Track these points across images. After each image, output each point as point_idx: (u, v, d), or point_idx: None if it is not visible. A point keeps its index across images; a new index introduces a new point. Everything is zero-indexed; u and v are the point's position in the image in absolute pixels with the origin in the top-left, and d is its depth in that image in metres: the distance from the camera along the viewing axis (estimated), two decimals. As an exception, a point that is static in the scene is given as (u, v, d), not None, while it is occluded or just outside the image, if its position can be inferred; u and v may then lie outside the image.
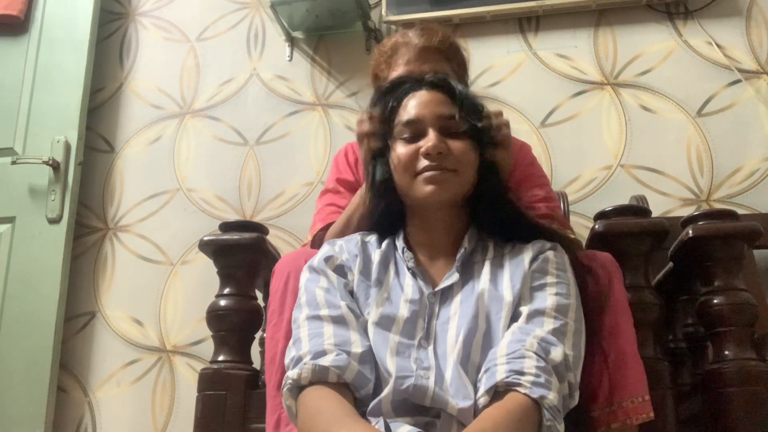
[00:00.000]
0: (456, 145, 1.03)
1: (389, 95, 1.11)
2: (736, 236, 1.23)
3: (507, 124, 1.16)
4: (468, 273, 1.02)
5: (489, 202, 1.06)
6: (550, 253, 1.02)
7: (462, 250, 1.02)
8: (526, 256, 1.01)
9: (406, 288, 1.01)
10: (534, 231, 1.06)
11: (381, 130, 1.10)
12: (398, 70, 1.37)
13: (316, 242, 1.33)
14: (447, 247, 1.05)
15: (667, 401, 1.17)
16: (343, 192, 1.44)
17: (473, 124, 1.05)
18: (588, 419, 1.05)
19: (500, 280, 0.99)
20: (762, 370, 1.16)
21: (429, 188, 1.01)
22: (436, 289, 1.00)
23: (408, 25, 2.13)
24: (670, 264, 1.40)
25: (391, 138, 1.08)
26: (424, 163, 1.02)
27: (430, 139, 1.02)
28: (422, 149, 1.02)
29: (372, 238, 1.10)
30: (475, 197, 1.06)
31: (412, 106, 1.07)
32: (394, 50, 1.41)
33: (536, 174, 1.42)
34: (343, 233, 1.20)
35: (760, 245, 1.47)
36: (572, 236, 1.34)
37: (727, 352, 1.19)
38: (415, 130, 1.05)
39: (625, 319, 1.10)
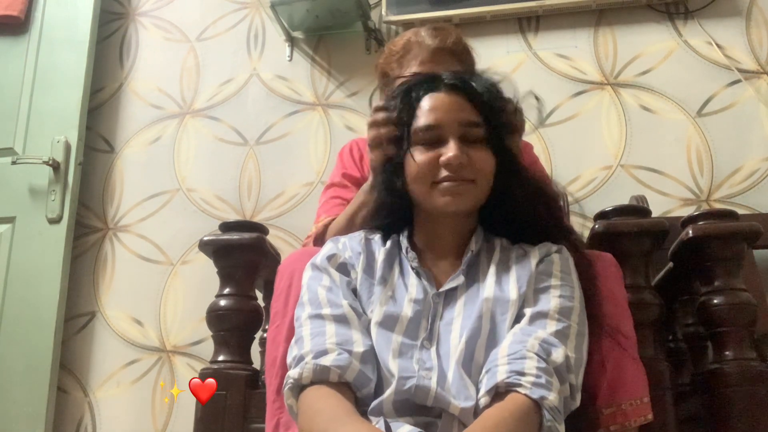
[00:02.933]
0: (476, 154, 1.00)
1: (406, 96, 1.07)
2: (736, 236, 1.23)
3: (521, 112, 1.12)
4: (473, 275, 1.01)
5: (504, 207, 1.05)
6: (555, 256, 1.01)
7: (469, 253, 1.02)
8: (533, 258, 1.01)
9: (411, 287, 1.00)
10: (545, 233, 1.05)
11: (397, 135, 1.06)
12: (411, 70, 1.35)
13: (320, 236, 1.33)
14: (453, 248, 1.04)
15: (667, 401, 1.17)
16: (350, 186, 1.43)
17: (494, 130, 1.03)
18: (587, 421, 1.05)
19: (506, 281, 0.99)
20: (762, 370, 1.16)
21: (447, 200, 0.99)
22: (441, 290, 1.00)
23: (408, 25, 2.13)
24: (670, 264, 1.40)
25: (407, 141, 1.04)
26: (443, 173, 0.99)
27: (451, 149, 0.99)
28: (442, 159, 0.99)
29: (376, 236, 1.09)
30: (487, 201, 1.05)
31: (431, 110, 1.02)
32: (406, 50, 1.39)
33: (538, 174, 1.42)
34: (347, 230, 1.19)
35: (760, 245, 1.47)
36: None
37: (727, 352, 1.19)
38: (434, 137, 1.01)
39: (624, 320, 1.10)
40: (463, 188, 0.99)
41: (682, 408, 1.22)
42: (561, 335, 0.92)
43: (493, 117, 1.04)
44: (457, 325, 0.95)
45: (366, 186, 1.22)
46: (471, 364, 0.92)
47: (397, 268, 1.04)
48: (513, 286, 0.98)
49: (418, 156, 1.01)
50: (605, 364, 1.05)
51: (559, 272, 0.99)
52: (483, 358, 0.92)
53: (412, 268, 1.03)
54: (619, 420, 1.04)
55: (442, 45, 1.37)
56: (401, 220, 1.09)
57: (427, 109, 1.03)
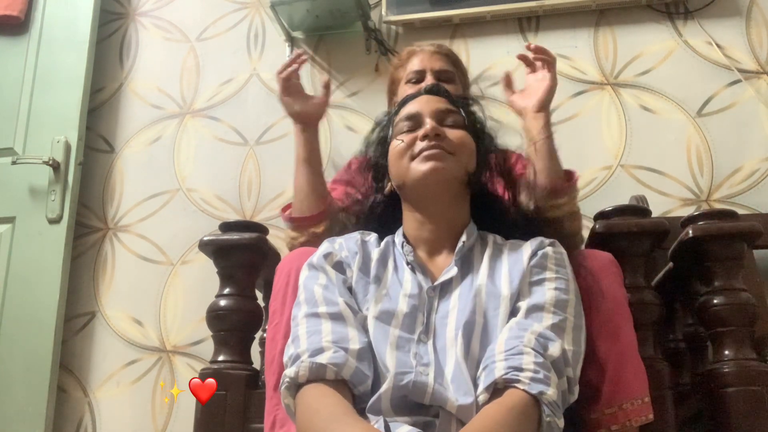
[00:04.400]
0: (453, 132, 1.06)
1: (394, 111, 1.17)
2: (736, 236, 1.23)
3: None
4: (467, 267, 1.02)
5: (485, 198, 1.09)
6: (549, 249, 1.02)
7: (461, 244, 1.03)
8: (525, 252, 1.01)
9: (405, 283, 1.01)
10: (533, 229, 1.07)
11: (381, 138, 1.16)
12: (412, 68, 1.56)
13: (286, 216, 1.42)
14: (446, 242, 1.05)
15: (667, 401, 1.17)
16: (338, 187, 1.50)
17: (470, 121, 1.09)
18: (588, 421, 1.05)
19: (498, 275, 1.00)
20: (762, 370, 1.16)
21: (427, 165, 1.02)
22: (435, 283, 1.00)
23: (408, 25, 2.14)
24: (670, 264, 1.40)
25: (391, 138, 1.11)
26: (421, 145, 1.04)
27: (428, 123, 1.05)
28: (420, 132, 1.05)
29: (371, 238, 1.10)
30: (474, 195, 1.08)
31: (410, 105, 1.12)
32: (409, 54, 1.60)
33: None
34: (300, 182, 1.38)
35: (760, 245, 1.47)
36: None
37: (727, 352, 1.19)
38: (414, 123, 1.08)
39: (624, 319, 1.10)
40: (442, 155, 1.03)
41: (682, 408, 1.23)
42: (557, 328, 0.92)
43: (470, 112, 1.12)
44: (452, 318, 0.96)
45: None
46: (468, 358, 0.92)
47: (391, 265, 1.05)
48: (505, 281, 0.98)
49: (398, 140, 1.08)
50: (606, 364, 1.05)
51: (554, 265, 1.00)
52: (478, 352, 0.93)
53: (407, 263, 1.04)
54: (620, 420, 1.04)
55: (438, 50, 1.58)
56: (393, 223, 1.12)
57: (408, 106, 1.12)
